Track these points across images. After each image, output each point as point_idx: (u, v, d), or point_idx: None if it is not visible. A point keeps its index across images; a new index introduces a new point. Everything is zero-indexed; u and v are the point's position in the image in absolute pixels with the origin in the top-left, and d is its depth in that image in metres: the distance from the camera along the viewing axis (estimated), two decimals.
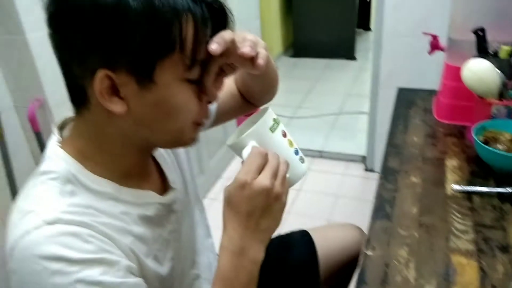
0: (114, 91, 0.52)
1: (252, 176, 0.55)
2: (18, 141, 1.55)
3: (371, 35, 4.88)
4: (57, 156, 0.57)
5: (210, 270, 0.83)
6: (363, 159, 2.49)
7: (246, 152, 0.58)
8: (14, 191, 1.50)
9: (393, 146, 1.10)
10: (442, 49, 1.26)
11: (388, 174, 0.99)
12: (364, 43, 4.61)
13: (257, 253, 0.57)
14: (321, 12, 4.08)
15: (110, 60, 0.50)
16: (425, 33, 1.28)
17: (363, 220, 0.87)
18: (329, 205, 2.18)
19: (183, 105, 0.56)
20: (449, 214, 0.85)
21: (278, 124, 0.63)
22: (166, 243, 0.66)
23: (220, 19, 0.55)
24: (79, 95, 0.55)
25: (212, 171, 2.37)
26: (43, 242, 0.50)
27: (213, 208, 2.24)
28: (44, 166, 0.56)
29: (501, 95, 1.04)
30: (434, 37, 1.26)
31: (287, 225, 2.03)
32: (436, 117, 1.24)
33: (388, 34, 2.00)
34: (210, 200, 2.24)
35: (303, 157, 0.66)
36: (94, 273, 0.51)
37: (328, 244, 1.01)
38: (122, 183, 0.59)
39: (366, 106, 2.29)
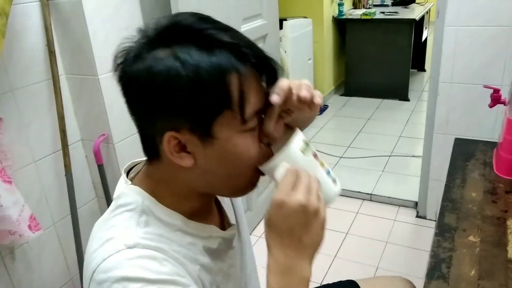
0: (182, 147, 0.58)
1: (286, 194, 0.56)
2: (82, 172, 1.66)
3: (425, 76, 4.81)
4: (132, 191, 0.62)
5: None
6: (415, 205, 2.41)
7: (278, 174, 0.59)
8: (75, 219, 1.59)
9: (449, 201, 1.08)
10: (504, 103, 1.23)
11: (444, 231, 0.96)
12: (418, 84, 4.54)
13: (304, 270, 0.58)
14: (374, 52, 4.09)
15: (173, 123, 0.56)
16: (486, 86, 1.26)
17: (413, 269, 0.85)
18: (378, 251, 2.12)
19: (245, 152, 0.59)
20: (510, 280, 0.81)
21: (308, 145, 0.63)
22: (227, 277, 0.70)
23: (267, 68, 0.59)
24: (151, 150, 0.61)
25: (260, 208, 2.39)
26: (125, 264, 0.54)
27: (258, 244, 2.25)
28: (121, 200, 0.62)
29: None
30: (496, 91, 1.24)
31: (333, 270, 2.00)
32: (496, 172, 1.20)
33: (445, 79, 1.97)
34: (256, 237, 2.25)
35: (336, 178, 0.66)
36: None
37: None
38: (189, 218, 0.64)
39: (419, 149, 2.25)
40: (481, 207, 1.05)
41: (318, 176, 0.61)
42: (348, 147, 3.30)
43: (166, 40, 0.55)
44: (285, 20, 3.27)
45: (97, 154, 1.57)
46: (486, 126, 1.80)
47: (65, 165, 1.53)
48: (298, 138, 0.62)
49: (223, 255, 0.70)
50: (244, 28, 2.03)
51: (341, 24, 4.25)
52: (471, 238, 0.94)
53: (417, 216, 2.35)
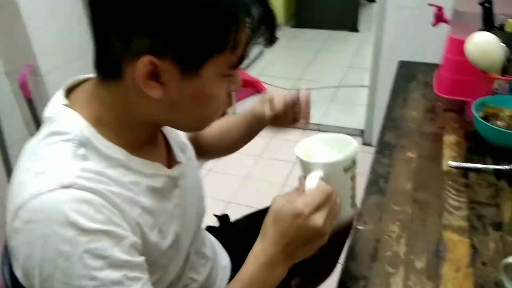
0: (154, 76, 0.51)
1: (310, 211, 0.56)
2: (10, 107, 1.53)
3: (375, 6, 4.77)
4: (70, 118, 0.55)
5: (204, 246, 0.82)
6: (361, 133, 2.46)
7: (312, 181, 0.58)
8: (5, 156, 1.49)
9: (390, 120, 1.08)
10: (446, 21, 1.22)
11: (384, 149, 0.97)
12: (368, 15, 4.50)
13: (282, 272, 0.60)
14: None
15: (159, 48, 0.49)
16: (431, 5, 1.23)
17: (359, 194, 0.85)
18: None
19: (217, 96, 0.57)
20: (443, 190, 0.84)
21: (354, 165, 0.62)
22: (170, 217, 0.65)
23: (270, 24, 0.55)
24: (111, 68, 0.53)
25: None
26: (57, 206, 0.48)
27: (208, 179, 2.24)
28: (55, 126, 0.54)
29: (505, 70, 1.01)
30: (440, 9, 1.22)
31: None
32: (436, 91, 1.21)
33: (392, 5, 1.94)
34: (206, 170, 2.24)
35: (356, 204, 0.67)
36: (102, 245, 0.50)
37: None
38: (132, 153, 0.58)
39: (367, 79, 2.25)
40: (420, 124, 1.06)
41: (343, 196, 0.62)
42: (298, 79, 3.27)
43: None
44: None
45: (23, 87, 1.44)
46: (431, 50, 1.80)
47: None
48: (350, 156, 0.61)
49: (168, 194, 0.65)
50: None
51: None
52: (409, 154, 0.95)
53: (364, 144, 2.42)
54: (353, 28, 4.12)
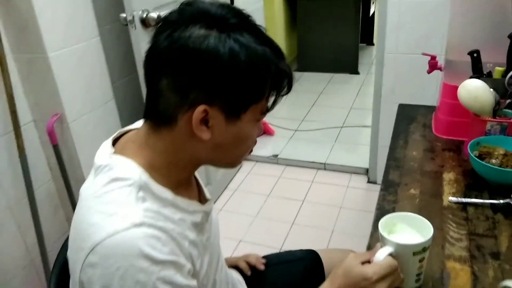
0: (204, 121, 0.62)
1: (376, 279, 0.69)
2: (37, 154, 1.63)
3: (374, 49, 4.98)
4: (127, 165, 0.64)
5: (226, 275, 0.90)
6: (366, 172, 2.55)
7: (381, 254, 0.71)
8: (32, 202, 1.58)
9: (393, 160, 1.17)
10: (440, 69, 1.33)
11: (388, 186, 1.06)
12: (368, 57, 4.70)
13: None
14: (325, 28, 4.18)
15: (211, 99, 0.60)
16: (424, 54, 1.36)
17: (366, 231, 0.93)
18: (333, 216, 2.24)
19: (251, 137, 0.69)
20: (445, 223, 0.92)
21: (424, 251, 0.72)
22: (204, 249, 0.74)
23: (290, 79, 0.67)
24: (165, 117, 0.63)
25: (219, 182, 2.44)
26: (133, 242, 0.56)
27: (219, 218, 2.30)
28: (115, 173, 0.62)
29: (495, 113, 1.11)
30: (433, 58, 1.34)
31: (292, 236, 2.10)
32: (434, 132, 1.31)
33: (390, 51, 2.08)
34: (217, 210, 2.31)
35: (421, 279, 0.76)
36: (169, 273, 0.59)
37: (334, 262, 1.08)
38: (176, 193, 0.67)
39: (369, 119, 2.36)
40: (421, 163, 1.15)
41: (408, 274, 0.73)
42: (303, 120, 3.40)
43: (222, 25, 0.60)
44: None
45: (51, 134, 1.55)
46: (428, 93, 1.93)
47: (18, 147, 1.50)
48: (421, 245, 0.71)
49: (202, 229, 0.74)
50: None
51: (291, 1, 4.29)
52: (412, 191, 1.04)
53: (368, 182, 2.50)
54: (354, 70, 4.30)
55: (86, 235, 0.59)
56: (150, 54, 0.62)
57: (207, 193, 0.81)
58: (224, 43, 0.58)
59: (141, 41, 1.63)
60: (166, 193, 0.65)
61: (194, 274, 0.67)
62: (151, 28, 1.67)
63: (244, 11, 0.64)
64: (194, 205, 0.71)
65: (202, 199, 0.78)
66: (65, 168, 1.63)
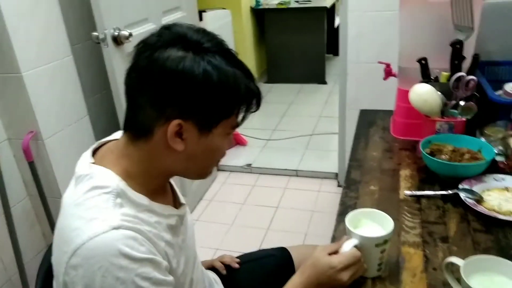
0: (178, 134, 0.68)
1: (341, 267, 0.77)
2: (12, 171, 1.65)
3: (340, 59, 5.14)
4: (106, 175, 0.69)
5: (202, 274, 0.97)
6: (335, 176, 2.66)
7: (347, 245, 0.80)
8: (9, 218, 1.59)
9: (355, 161, 1.27)
10: (395, 75, 1.45)
11: (350, 184, 1.15)
12: (334, 68, 4.87)
13: None
14: (292, 40, 4.32)
15: (185, 114, 0.67)
16: (380, 62, 1.47)
17: (332, 225, 1.01)
18: (305, 220, 2.33)
19: (221, 149, 0.76)
20: (401, 214, 1.01)
21: (385, 243, 0.80)
22: (179, 250, 0.80)
23: (258, 98, 0.74)
24: (143, 130, 0.69)
25: (194, 193, 2.49)
26: (113, 243, 0.62)
27: (196, 228, 2.35)
28: (95, 182, 0.68)
29: (443, 113, 1.22)
30: (388, 65, 1.45)
31: (267, 241, 2.17)
32: (392, 134, 1.42)
33: (352, 61, 2.20)
34: (193, 220, 2.36)
35: (382, 267, 0.84)
36: (147, 270, 0.64)
37: (303, 257, 1.15)
38: (152, 199, 0.73)
39: (337, 126, 2.47)
40: (380, 162, 1.25)
41: (370, 263, 0.82)
42: (274, 130, 3.49)
43: (196, 48, 0.66)
44: (204, 11, 3.36)
45: (26, 151, 1.58)
46: (388, 98, 2.05)
47: None
48: (382, 237, 0.79)
49: (177, 231, 0.80)
50: (165, 21, 2.11)
51: (259, 14, 4.43)
52: (372, 187, 1.13)
53: (339, 186, 2.60)
54: (321, 80, 4.45)
55: (68, 239, 0.64)
56: (131, 72, 0.69)
57: (181, 198, 0.88)
58: (198, 65, 0.65)
59: (113, 59, 1.69)
60: (142, 199, 0.71)
61: (171, 272, 0.73)
62: (123, 46, 1.74)
63: (217, 36, 0.71)
64: (169, 209, 0.77)
65: (177, 204, 0.85)
66: (41, 184, 1.66)
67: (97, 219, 0.64)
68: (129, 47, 1.78)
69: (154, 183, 0.75)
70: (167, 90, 0.65)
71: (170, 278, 0.70)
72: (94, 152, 0.77)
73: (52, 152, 1.65)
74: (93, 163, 0.73)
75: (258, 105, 0.74)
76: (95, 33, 1.65)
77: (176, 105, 0.66)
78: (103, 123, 1.97)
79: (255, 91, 0.72)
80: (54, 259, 0.70)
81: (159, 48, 0.66)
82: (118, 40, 1.69)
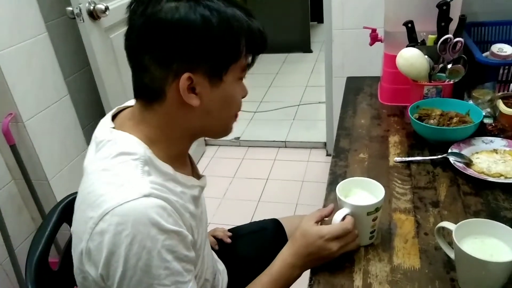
0: (191, 89, 0.66)
1: (330, 237, 0.77)
2: None
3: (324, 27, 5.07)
4: (131, 140, 0.67)
5: (209, 248, 0.97)
6: (324, 145, 2.65)
7: (339, 215, 0.79)
8: None
9: (343, 129, 1.26)
10: (381, 41, 1.42)
11: (340, 153, 1.14)
12: (319, 35, 4.79)
13: (299, 274, 0.82)
14: (275, 9, 4.22)
15: (193, 66, 0.64)
16: (365, 27, 1.44)
17: (323, 193, 1.01)
18: (296, 190, 2.34)
19: (237, 98, 0.73)
20: (391, 181, 1.01)
21: (377, 211, 0.79)
22: (199, 221, 0.78)
23: (264, 37, 0.71)
24: (154, 92, 0.67)
25: None
26: (143, 211, 0.60)
27: None
28: (120, 147, 0.66)
29: (431, 78, 1.21)
30: (373, 31, 1.42)
31: (258, 213, 2.18)
32: (380, 100, 1.40)
33: (337, 27, 2.16)
34: None
35: (375, 235, 0.84)
36: (173, 243, 0.62)
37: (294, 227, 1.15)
38: (174, 168, 0.70)
39: (324, 95, 2.45)
40: (368, 130, 1.24)
41: (362, 231, 0.81)
42: (261, 101, 3.46)
43: None
44: None
45: (7, 135, 1.53)
46: (375, 64, 2.02)
47: None
48: (373, 205, 0.78)
49: (198, 202, 0.79)
50: None
51: None
52: (361, 155, 1.12)
53: (327, 155, 2.61)
54: (307, 49, 4.39)
55: (95, 205, 0.62)
56: (128, 34, 0.66)
57: (200, 170, 0.86)
58: (194, 11, 0.62)
59: (91, 34, 1.63)
60: (167, 168, 0.69)
61: (193, 245, 0.71)
62: (100, 20, 1.67)
63: None
64: (191, 180, 0.76)
65: (194, 175, 0.83)
66: (25, 168, 1.62)
67: (126, 185, 0.62)
68: (106, 21, 1.72)
69: (177, 149, 0.73)
70: (168, 44, 0.63)
71: (192, 254, 0.68)
72: (113, 118, 0.76)
73: (34, 134, 1.61)
74: (114, 128, 0.71)
75: (263, 43, 0.71)
76: (70, 8, 1.58)
77: (181, 58, 0.63)
78: (85, 102, 1.91)
79: (258, 28, 0.69)
80: (76, 227, 0.67)
81: (151, 2, 0.63)
82: (94, 14, 1.63)
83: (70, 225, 0.94)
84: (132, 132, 0.69)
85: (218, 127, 0.75)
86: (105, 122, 0.74)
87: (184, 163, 0.80)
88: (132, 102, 0.77)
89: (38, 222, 1.77)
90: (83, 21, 1.59)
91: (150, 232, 0.60)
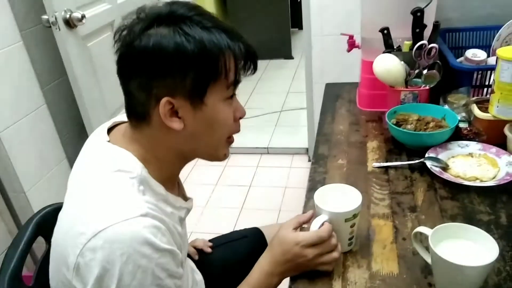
0: (174, 112, 0.66)
1: (304, 244, 0.76)
2: None
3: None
4: (127, 157, 0.68)
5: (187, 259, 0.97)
6: (306, 151, 2.66)
7: (316, 223, 0.78)
8: None
9: (322, 135, 1.26)
10: (358, 47, 1.43)
11: (319, 159, 1.14)
12: (300, 41, 4.82)
13: (278, 282, 0.81)
14: (256, 16, 4.24)
15: (171, 90, 0.65)
16: (343, 34, 1.45)
17: (301, 201, 1.01)
18: (278, 196, 2.34)
19: (225, 120, 0.71)
20: (370, 187, 1.01)
21: (355, 218, 0.79)
22: (183, 241, 0.78)
23: (251, 55, 0.71)
24: (140, 115, 0.68)
25: None
26: (140, 230, 0.60)
27: None
28: (118, 164, 0.66)
29: (407, 83, 1.22)
30: (351, 37, 1.44)
31: (241, 221, 2.17)
32: (358, 106, 1.41)
33: (316, 34, 2.18)
34: None
35: (354, 242, 0.84)
36: (166, 261, 0.63)
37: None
38: (165, 188, 0.71)
39: (305, 101, 2.46)
40: (347, 136, 1.25)
41: (341, 238, 0.80)
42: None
43: (168, 20, 0.64)
44: None
45: None
46: (353, 71, 2.05)
47: None
48: (351, 212, 0.78)
49: (183, 223, 0.80)
50: (120, 0, 2.01)
51: None
52: (340, 161, 1.13)
53: (309, 161, 2.61)
54: (288, 55, 4.42)
55: (88, 220, 0.61)
56: (118, 62, 0.67)
57: (186, 191, 0.86)
58: (169, 37, 0.63)
59: (67, 43, 1.61)
60: (160, 188, 0.70)
61: (181, 262, 0.71)
62: (76, 29, 1.65)
63: (191, 3, 0.69)
64: (179, 201, 0.77)
65: (181, 196, 0.83)
66: (0, 181, 1.58)
67: (123, 203, 0.63)
68: (83, 29, 1.70)
69: (168, 170, 0.74)
70: (145, 70, 0.64)
71: (181, 270, 0.69)
72: (109, 131, 0.76)
73: (10, 145, 1.57)
74: (108, 141, 0.71)
75: (248, 60, 0.70)
76: (45, 16, 1.56)
77: (159, 83, 0.64)
78: (63, 111, 1.88)
79: (241, 47, 0.68)
80: (60, 239, 0.66)
81: (132, 30, 0.65)
82: (70, 23, 1.61)
83: (46, 239, 0.92)
84: (128, 149, 0.69)
85: (207, 150, 0.75)
86: (100, 134, 0.74)
87: (174, 183, 0.80)
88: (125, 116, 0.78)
89: (14, 235, 1.73)
90: (59, 29, 1.57)
91: (145, 251, 0.60)
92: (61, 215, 0.70)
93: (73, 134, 1.91)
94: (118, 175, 0.66)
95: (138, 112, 0.68)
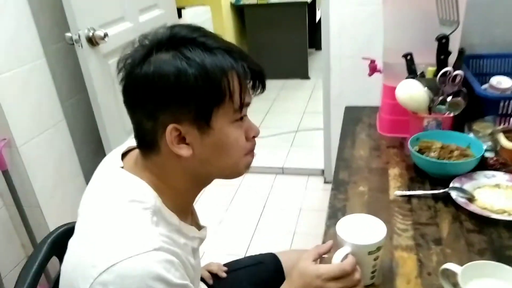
0: (181, 139, 0.65)
1: (326, 277, 0.72)
2: None
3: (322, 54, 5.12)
4: (141, 187, 0.66)
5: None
6: (322, 173, 2.63)
7: (339, 255, 0.75)
8: None
9: (342, 160, 1.24)
10: (380, 71, 1.42)
11: (339, 185, 1.12)
12: (317, 62, 4.84)
13: None
14: (274, 35, 4.27)
15: (176, 116, 0.63)
16: (364, 58, 1.44)
17: (321, 227, 0.98)
18: (293, 218, 2.30)
19: (236, 142, 0.69)
20: (392, 216, 0.98)
21: (378, 250, 0.76)
22: (196, 272, 0.76)
23: (257, 74, 0.69)
24: (149, 144, 0.67)
25: None
26: (152, 265, 0.58)
27: None
28: (132, 194, 0.65)
29: (430, 110, 1.20)
30: (372, 61, 1.42)
31: (255, 242, 2.14)
32: (379, 131, 1.39)
33: (335, 56, 2.17)
34: None
35: (376, 276, 0.80)
36: None
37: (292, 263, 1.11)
38: (179, 217, 0.69)
39: (321, 122, 2.44)
40: (368, 161, 1.22)
41: (364, 271, 0.76)
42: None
43: (168, 45, 0.63)
44: (183, 8, 3.29)
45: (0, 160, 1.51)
46: (373, 94, 2.03)
47: None
48: (375, 245, 0.75)
49: (196, 254, 0.77)
50: (142, 20, 2.04)
51: (239, 10, 4.37)
52: (361, 188, 1.10)
53: (325, 182, 2.58)
54: (305, 75, 4.42)
55: (100, 253, 0.60)
56: (122, 92, 0.67)
57: (199, 211, 0.84)
58: (169, 63, 0.62)
59: (89, 60, 1.63)
60: (174, 218, 0.68)
61: None
62: (98, 46, 1.67)
63: (193, 24, 0.68)
64: (193, 231, 0.74)
65: (195, 225, 0.81)
66: (17, 194, 1.59)
67: (137, 236, 0.61)
68: (105, 47, 1.72)
69: (183, 199, 0.73)
70: (148, 98, 0.63)
71: None
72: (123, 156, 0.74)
73: (28, 160, 1.58)
74: (122, 167, 0.70)
75: (256, 80, 0.68)
76: (69, 34, 1.58)
77: (164, 110, 0.63)
78: (81, 127, 1.90)
79: (246, 67, 0.66)
80: (70, 269, 0.64)
81: (133, 60, 0.64)
82: (93, 41, 1.63)
83: (60, 258, 0.91)
84: (141, 177, 0.68)
85: (223, 172, 0.72)
86: (114, 159, 0.73)
87: (188, 212, 0.78)
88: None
89: (28, 249, 1.72)
90: (82, 47, 1.59)
91: (158, 287, 0.58)
92: (72, 243, 0.68)
93: (90, 150, 1.92)
94: (131, 206, 0.64)
95: (147, 141, 0.67)
